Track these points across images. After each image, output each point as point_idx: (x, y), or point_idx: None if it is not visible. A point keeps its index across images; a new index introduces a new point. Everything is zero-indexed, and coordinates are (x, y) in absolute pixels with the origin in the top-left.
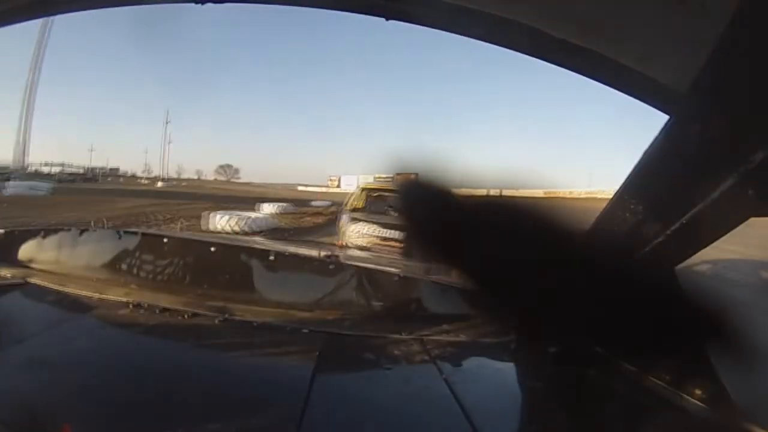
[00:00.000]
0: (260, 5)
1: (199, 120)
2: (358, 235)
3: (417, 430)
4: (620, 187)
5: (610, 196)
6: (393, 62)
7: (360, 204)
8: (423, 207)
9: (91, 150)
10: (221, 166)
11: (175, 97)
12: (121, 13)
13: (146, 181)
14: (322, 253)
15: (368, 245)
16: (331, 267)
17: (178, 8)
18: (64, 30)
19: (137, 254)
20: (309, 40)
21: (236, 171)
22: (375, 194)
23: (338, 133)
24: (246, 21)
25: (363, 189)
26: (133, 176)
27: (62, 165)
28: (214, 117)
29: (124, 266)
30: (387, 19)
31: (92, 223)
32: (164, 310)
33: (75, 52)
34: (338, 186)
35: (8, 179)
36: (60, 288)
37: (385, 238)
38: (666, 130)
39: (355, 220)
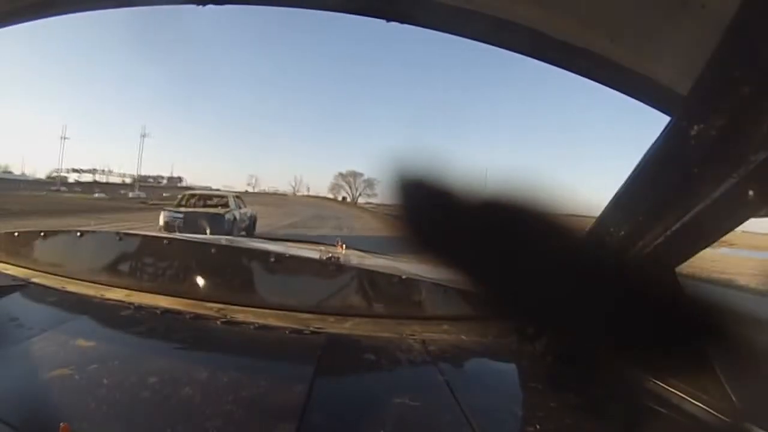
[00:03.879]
0: (261, 7)
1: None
2: (162, 217)
3: (417, 430)
4: (621, 188)
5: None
6: (396, 63)
7: (182, 202)
8: (424, 207)
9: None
10: (342, 175)
11: (177, 101)
12: (120, 15)
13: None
14: (323, 255)
15: (167, 222)
16: (331, 269)
17: (179, 9)
18: (66, 34)
19: (138, 256)
20: (311, 41)
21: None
22: (195, 196)
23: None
24: (247, 22)
25: (185, 195)
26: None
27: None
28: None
29: (125, 267)
30: (387, 21)
31: (92, 224)
32: (165, 311)
33: (76, 55)
34: None
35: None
36: (62, 289)
37: (174, 217)
38: (667, 131)
39: (163, 209)
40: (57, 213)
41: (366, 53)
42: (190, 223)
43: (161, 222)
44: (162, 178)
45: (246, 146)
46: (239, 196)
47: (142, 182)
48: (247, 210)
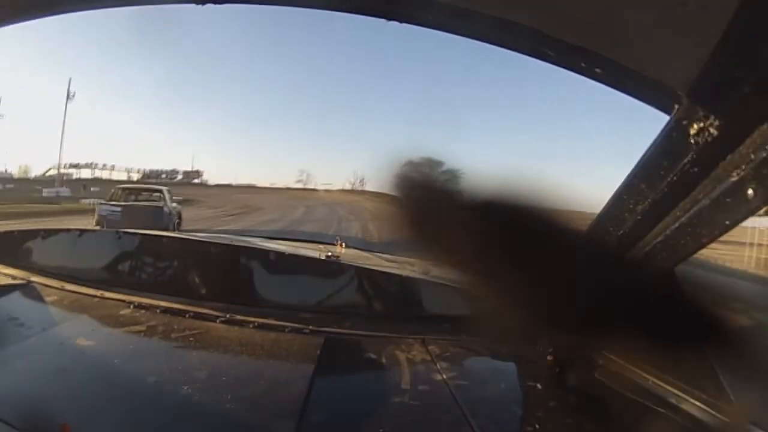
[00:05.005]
0: (261, 6)
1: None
2: (97, 211)
3: (417, 430)
4: (620, 187)
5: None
6: (395, 62)
7: (116, 195)
8: (424, 206)
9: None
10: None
11: (177, 99)
12: (120, 15)
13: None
14: (323, 254)
15: (103, 216)
16: (332, 268)
17: (179, 9)
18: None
19: (138, 255)
20: (311, 40)
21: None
22: (127, 190)
23: (340, 135)
24: (247, 22)
25: (118, 189)
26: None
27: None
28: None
29: (125, 266)
30: (388, 20)
31: (93, 224)
32: (165, 310)
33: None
34: None
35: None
36: (61, 288)
37: (111, 211)
38: (666, 130)
39: (99, 203)
40: None
41: (367, 52)
42: (128, 216)
43: (96, 217)
44: (176, 172)
45: (298, 142)
46: (170, 191)
47: (153, 177)
48: (176, 205)
